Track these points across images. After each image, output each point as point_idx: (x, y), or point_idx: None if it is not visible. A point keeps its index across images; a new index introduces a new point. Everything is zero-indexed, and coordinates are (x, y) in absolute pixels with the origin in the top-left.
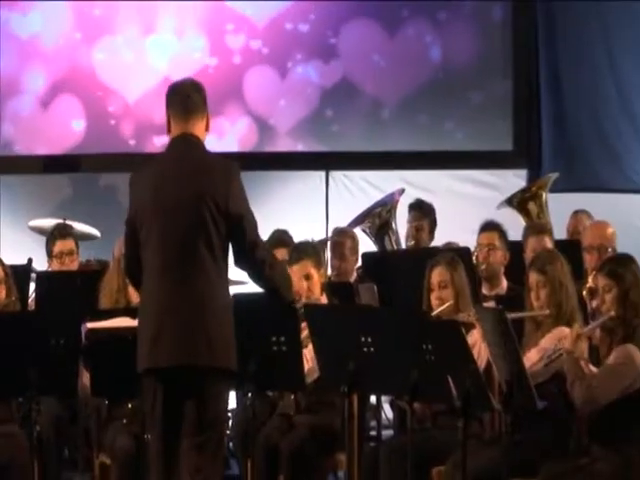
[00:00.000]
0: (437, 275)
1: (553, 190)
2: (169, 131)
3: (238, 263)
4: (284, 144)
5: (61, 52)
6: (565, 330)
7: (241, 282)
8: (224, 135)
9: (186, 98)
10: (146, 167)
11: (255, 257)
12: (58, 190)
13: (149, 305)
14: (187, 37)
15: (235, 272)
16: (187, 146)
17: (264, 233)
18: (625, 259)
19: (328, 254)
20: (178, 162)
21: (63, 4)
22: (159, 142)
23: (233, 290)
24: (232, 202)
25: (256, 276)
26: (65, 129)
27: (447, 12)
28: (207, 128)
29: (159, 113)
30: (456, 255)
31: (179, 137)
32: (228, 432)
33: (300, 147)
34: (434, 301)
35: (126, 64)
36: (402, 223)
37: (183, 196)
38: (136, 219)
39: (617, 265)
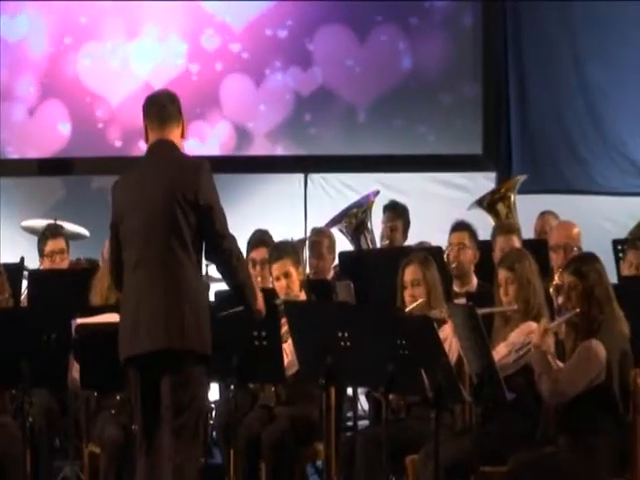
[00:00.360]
0: (410, 273)
1: (521, 192)
2: (147, 140)
3: (207, 254)
4: (264, 148)
5: (47, 57)
6: (532, 325)
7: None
8: (206, 139)
9: (162, 108)
10: (126, 174)
11: (223, 247)
12: (51, 192)
13: (128, 298)
14: (169, 43)
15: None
16: (163, 149)
17: (245, 233)
18: (590, 258)
19: (307, 253)
20: (155, 164)
21: (48, 10)
22: (144, 146)
23: (215, 287)
24: (201, 194)
25: (223, 266)
26: (53, 133)
27: (418, 18)
28: (183, 135)
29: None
30: (428, 254)
31: (156, 142)
32: (211, 422)
33: (279, 151)
34: (407, 298)
35: (110, 69)
36: (377, 223)
37: (156, 193)
38: (117, 220)
39: (582, 264)
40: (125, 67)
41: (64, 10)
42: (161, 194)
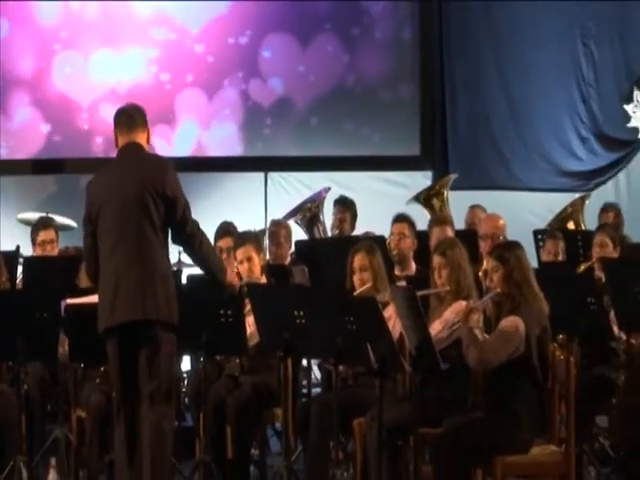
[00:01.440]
0: (358, 260)
1: (453, 188)
2: (117, 145)
3: (174, 238)
4: (229, 149)
5: (25, 61)
6: (463, 304)
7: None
8: (174, 141)
9: (130, 117)
10: (99, 173)
11: (186, 231)
12: (43, 189)
13: (107, 280)
14: (136, 52)
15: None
16: (133, 150)
17: (212, 226)
18: (511, 245)
19: (267, 242)
20: (127, 163)
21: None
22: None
23: (188, 272)
24: (168, 187)
25: (189, 248)
26: (35, 135)
27: (359, 27)
28: (148, 141)
29: (103, 122)
30: (374, 242)
31: (126, 145)
32: (184, 390)
33: (242, 152)
34: (356, 282)
35: (83, 76)
36: (328, 216)
37: (130, 186)
38: (92, 214)
39: (503, 250)
40: (95, 74)
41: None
42: (135, 188)
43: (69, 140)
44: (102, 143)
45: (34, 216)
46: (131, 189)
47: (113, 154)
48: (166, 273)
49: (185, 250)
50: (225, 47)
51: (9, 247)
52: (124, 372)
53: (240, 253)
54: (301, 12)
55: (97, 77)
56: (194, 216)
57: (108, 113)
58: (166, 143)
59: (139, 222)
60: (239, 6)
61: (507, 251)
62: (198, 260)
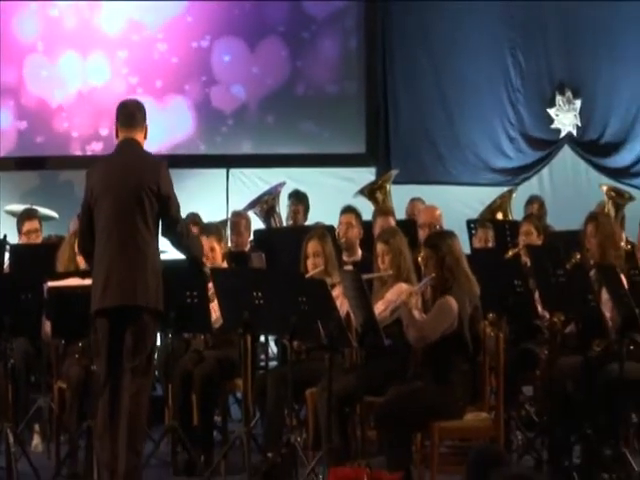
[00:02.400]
0: (311, 246)
1: (395, 183)
2: (117, 136)
3: (164, 233)
4: (195, 148)
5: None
6: (403, 286)
7: (163, 251)
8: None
9: (130, 115)
10: (99, 162)
11: (176, 229)
12: (28, 183)
13: (101, 262)
14: (99, 57)
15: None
16: (130, 147)
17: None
18: (443, 234)
19: (228, 231)
20: (124, 158)
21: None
22: (97, 147)
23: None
24: (162, 187)
25: (176, 244)
26: (16, 135)
27: (310, 34)
28: (145, 136)
29: (79, 122)
30: (325, 231)
31: (124, 140)
32: (155, 363)
33: (206, 150)
34: (309, 266)
35: (50, 79)
36: (284, 208)
37: (127, 182)
38: (91, 200)
39: (436, 238)
40: (62, 76)
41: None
42: (132, 183)
43: (49, 139)
44: (78, 141)
45: (19, 208)
46: (129, 184)
47: (89, 151)
48: (156, 264)
49: (173, 244)
50: (189, 50)
51: None
52: (111, 349)
53: (205, 243)
54: (251, 17)
55: (70, 80)
56: None
57: (83, 114)
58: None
59: (133, 215)
60: (196, 8)
61: (439, 239)
62: (184, 252)
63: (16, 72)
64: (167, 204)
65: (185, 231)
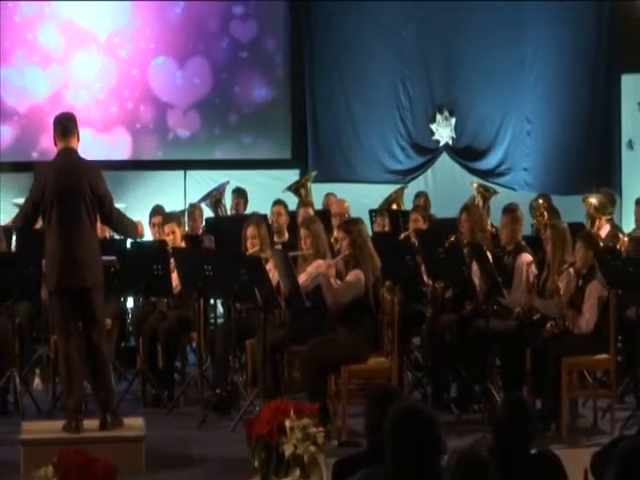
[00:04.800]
0: (250, 230)
1: (314, 181)
2: (55, 144)
3: (102, 222)
4: (156, 154)
5: None
6: (320, 262)
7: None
8: (110, 147)
9: (65, 127)
10: (45, 165)
11: (111, 219)
12: (29, 181)
13: (52, 247)
14: (60, 66)
15: None
16: (69, 154)
17: (147, 208)
18: (354, 220)
19: (186, 219)
20: (67, 165)
21: None
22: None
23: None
24: (100, 187)
25: (113, 229)
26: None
27: (246, 53)
28: (78, 141)
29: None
30: (260, 218)
31: (63, 149)
32: (129, 320)
33: (167, 156)
34: (248, 246)
35: (18, 87)
36: (228, 200)
37: (73, 183)
38: (39, 192)
39: (349, 224)
40: (31, 85)
41: None
42: (76, 183)
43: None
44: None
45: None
46: (74, 183)
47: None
48: (95, 246)
49: (111, 229)
50: (148, 66)
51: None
52: (67, 317)
53: (167, 228)
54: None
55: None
56: (138, 203)
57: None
58: (109, 147)
59: (78, 208)
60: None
61: (352, 225)
62: (120, 234)
63: None
64: (103, 201)
65: (118, 218)
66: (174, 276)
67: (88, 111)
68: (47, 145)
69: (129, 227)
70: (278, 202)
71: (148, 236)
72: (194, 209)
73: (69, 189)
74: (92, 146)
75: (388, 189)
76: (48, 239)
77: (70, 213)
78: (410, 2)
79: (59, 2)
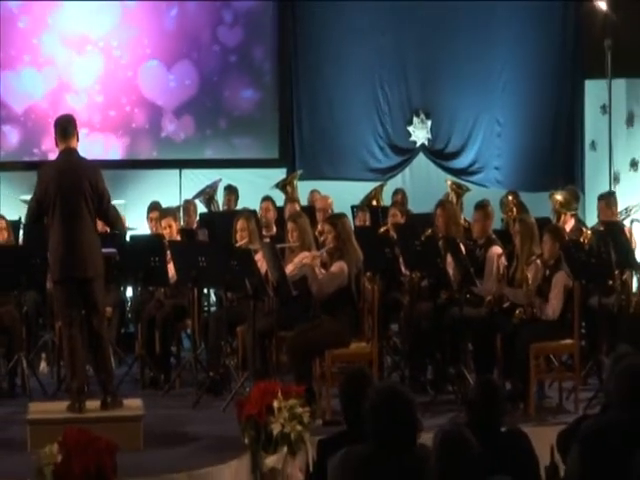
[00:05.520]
0: (240, 224)
1: (300, 179)
2: (57, 145)
3: (98, 217)
4: (153, 154)
5: None
6: (306, 253)
7: (133, 228)
8: (110, 148)
9: (64, 129)
10: (48, 165)
11: (108, 215)
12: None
13: (56, 241)
14: (53, 70)
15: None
16: (70, 155)
17: (144, 205)
18: (339, 215)
19: (181, 214)
20: (69, 164)
21: None
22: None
23: (131, 233)
24: (99, 186)
25: (107, 223)
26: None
27: (235, 59)
28: (77, 141)
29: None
30: (250, 213)
31: (65, 150)
32: (128, 309)
33: (163, 156)
34: (239, 239)
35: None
36: (221, 197)
37: (74, 182)
38: (43, 190)
39: (334, 218)
40: (25, 88)
41: None
42: (78, 182)
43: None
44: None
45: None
46: (74, 182)
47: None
48: (95, 240)
49: (105, 224)
50: (142, 70)
51: (14, 218)
52: (70, 306)
53: (163, 222)
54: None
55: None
56: (136, 199)
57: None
58: (110, 147)
59: (79, 205)
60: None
61: (337, 219)
62: (111, 227)
63: None
64: (101, 199)
65: (113, 214)
66: (170, 267)
67: (87, 113)
68: (49, 146)
69: (119, 222)
70: (266, 198)
71: (146, 230)
72: (189, 205)
73: (70, 187)
74: (92, 146)
75: (368, 186)
76: (52, 234)
77: (72, 209)
78: (388, 10)
79: (59, 3)
